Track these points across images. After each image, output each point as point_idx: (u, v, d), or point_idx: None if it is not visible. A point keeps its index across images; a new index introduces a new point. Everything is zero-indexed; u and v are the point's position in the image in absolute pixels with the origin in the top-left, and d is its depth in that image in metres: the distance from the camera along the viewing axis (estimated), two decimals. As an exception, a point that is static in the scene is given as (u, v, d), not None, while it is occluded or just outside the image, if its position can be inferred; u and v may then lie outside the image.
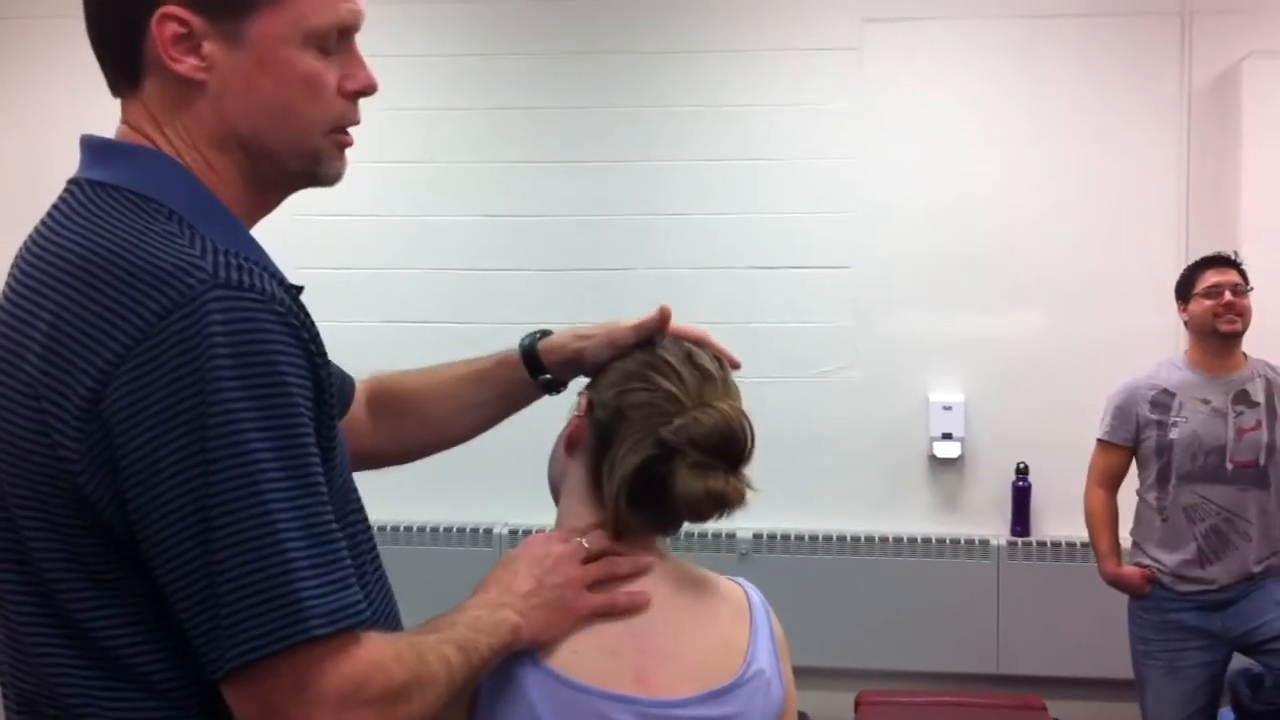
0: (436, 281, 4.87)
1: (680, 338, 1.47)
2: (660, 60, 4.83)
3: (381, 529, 4.61)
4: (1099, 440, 3.83)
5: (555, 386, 1.60)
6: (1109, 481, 3.82)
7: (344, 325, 4.76)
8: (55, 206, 1.22)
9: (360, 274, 4.87)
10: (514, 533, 4.59)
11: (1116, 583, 3.77)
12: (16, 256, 1.22)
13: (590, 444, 1.41)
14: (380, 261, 4.89)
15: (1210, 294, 3.68)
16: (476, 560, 4.56)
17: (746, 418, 1.38)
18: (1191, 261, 3.89)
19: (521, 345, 1.59)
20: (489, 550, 4.63)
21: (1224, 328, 3.66)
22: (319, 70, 1.24)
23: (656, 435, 1.34)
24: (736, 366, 1.47)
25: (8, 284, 1.21)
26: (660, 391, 1.38)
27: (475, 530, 4.71)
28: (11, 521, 1.16)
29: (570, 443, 1.44)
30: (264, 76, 1.21)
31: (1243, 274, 3.72)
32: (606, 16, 4.86)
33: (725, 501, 1.35)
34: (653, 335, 1.46)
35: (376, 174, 4.72)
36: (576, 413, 1.45)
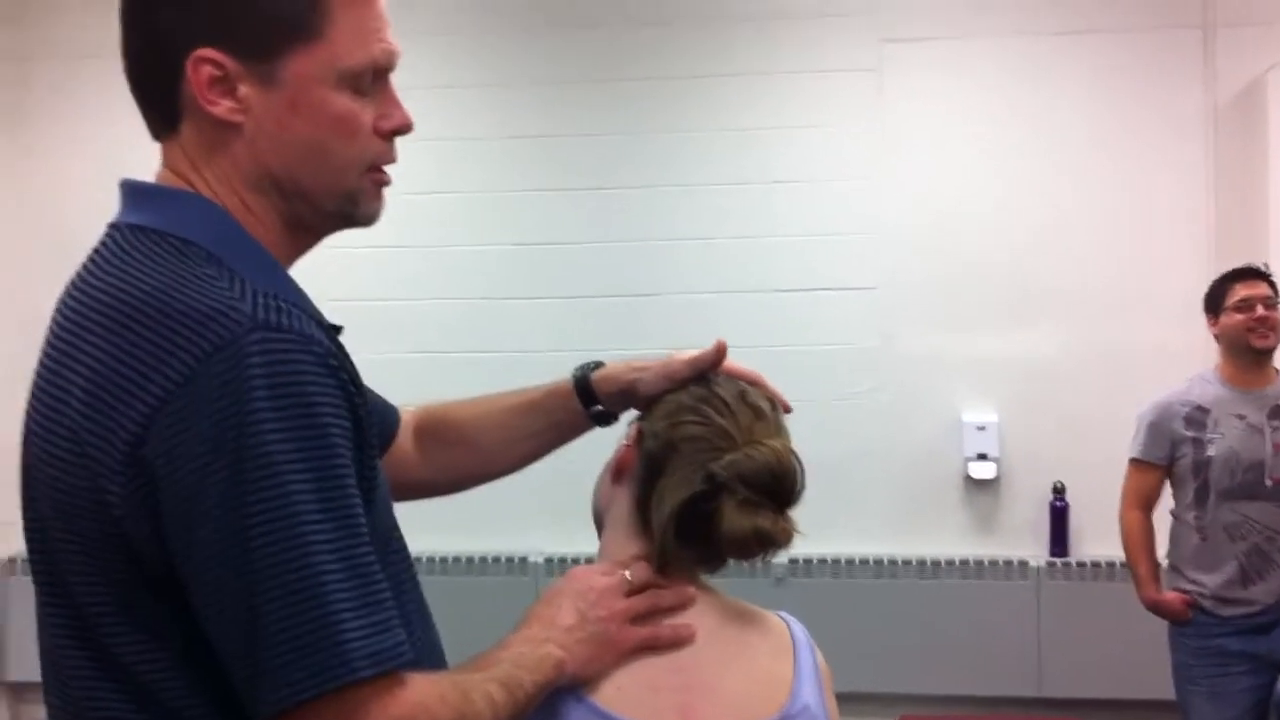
0: (457, 310, 4.88)
1: (734, 376, 1.47)
2: (679, 85, 4.84)
3: (417, 559, 4.59)
4: (1132, 460, 3.77)
5: (606, 418, 1.59)
6: (1144, 502, 3.76)
7: (365, 357, 4.79)
8: (96, 250, 1.22)
9: (382, 304, 4.89)
10: (549, 561, 4.58)
11: (1157, 609, 3.71)
12: (59, 301, 1.23)
13: (638, 474, 1.40)
14: (401, 291, 4.91)
15: (1241, 308, 3.64)
16: (512, 589, 4.56)
17: (798, 458, 1.38)
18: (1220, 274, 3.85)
19: (574, 375, 1.58)
20: (525, 579, 4.62)
21: (1258, 343, 3.62)
22: (354, 111, 1.24)
23: (707, 470, 1.34)
24: (788, 410, 1.47)
25: (51, 328, 1.21)
26: (713, 426, 1.37)
27: (510, 560, 4.70)
28: (55, 561, 1.16)
29: (618, 471, 1.44)
30: (298, 117, 1.21)
31: (1273, 286, 3.68)
32: (624, 43, 4.88)
33: (772, 542, 1.35)
34: (708, 370, 1.46)
35: (397, 205, 4.71)
36: (626, 441, 1.45)
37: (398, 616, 1.11)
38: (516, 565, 4.69)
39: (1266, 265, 3.77)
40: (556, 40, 4.91)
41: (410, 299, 4.91)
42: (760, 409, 1.41)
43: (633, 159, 4.86)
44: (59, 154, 4.99)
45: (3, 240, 4.98)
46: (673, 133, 4.84)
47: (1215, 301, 3.73)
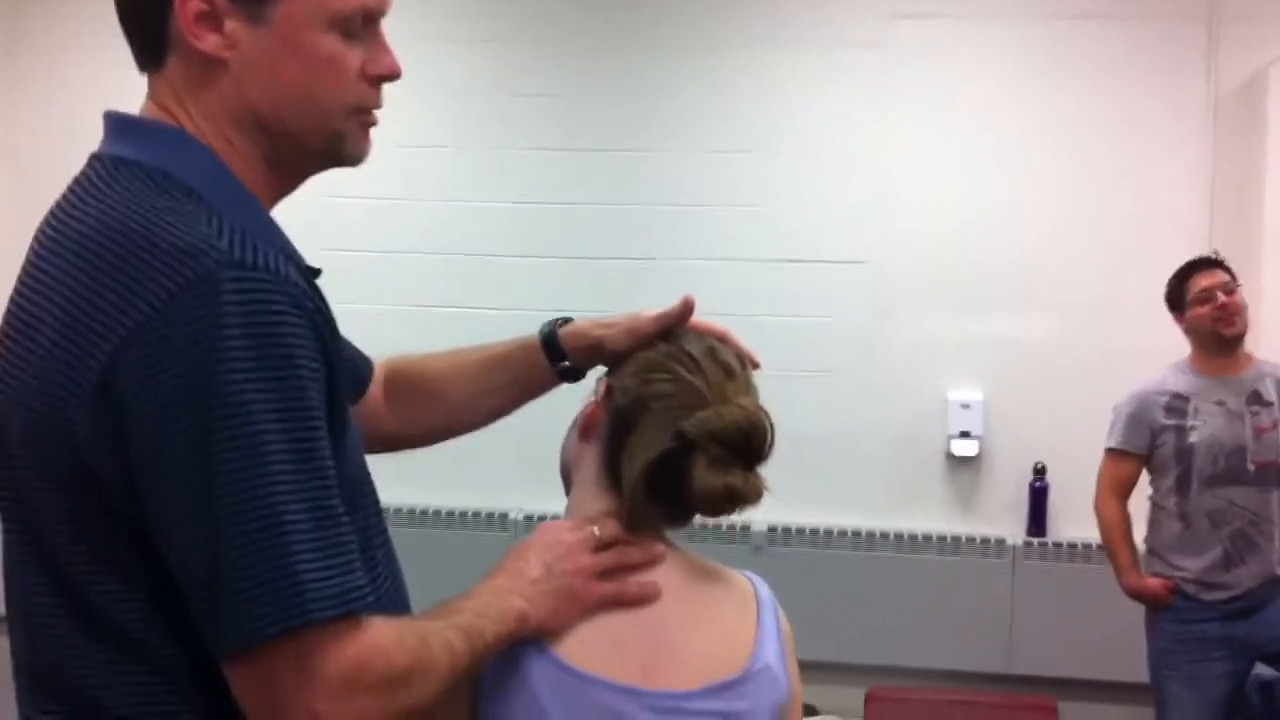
0: (455, 267, 4.87)
1: (702, 333, 1.47)
2: (683, 51, 4.83)
3: (397, 512, 4.64)
4: (1109, 450, 3.79)
5: (573, 374, 1.60)
6: (1122, 491, 3.78)
7: (364, 308, 4.78)
8: (76, 181, 1.22)
9: (382, 257, 4.88)
10: (529, 518, 4.59)
11: (1139, 594, 3.73)
12: (38, 230, 1.23)
13: (607, 431, 1.41)
14: (401, 245, 4.90)
15: (1203, 299, 3.66)
16: (491, 545, 4.56)
17: (768, 417, 1.38)
18: (1171, 277, 3.84)
19: (542, 331, 1.59)
20: (504, 535, 4.64)
21: (1225, 331, 3.64)
22: (342, 53, 1.24)
23: (677, 427, 1.34)
24: (757, 366, 1.47)
25: (28, 256, 1.21)
26: (683, 384, 1.37)
27: (490, 515, 4.72)
28: (24, 500, 1.16)
29: (586, 428, 1.44)
30: (286, 57, 1.22)
31: (1229, 272, 3.70)
32: (629, 6, 4.85)
33: (742, 499, 1.35)
34: (675, 327, 1.46)
35: (400, 158, 4.73)
36: (594, 398, 1.45)
37: (359, 561, 1.11)
38: (496, 520, 4.70)
39: (1216, 253, 3.80)
40: (565, 2, 4.88)
41: (409, 252, 4.90)
42: (730, 366, 1.41)
43: (635, 122, 4.84)
44: (50, 85, 4.95)
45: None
46: (676, 97, 4.82)
47: (1177, 298, 3.76)
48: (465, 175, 4.91)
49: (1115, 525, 3.78)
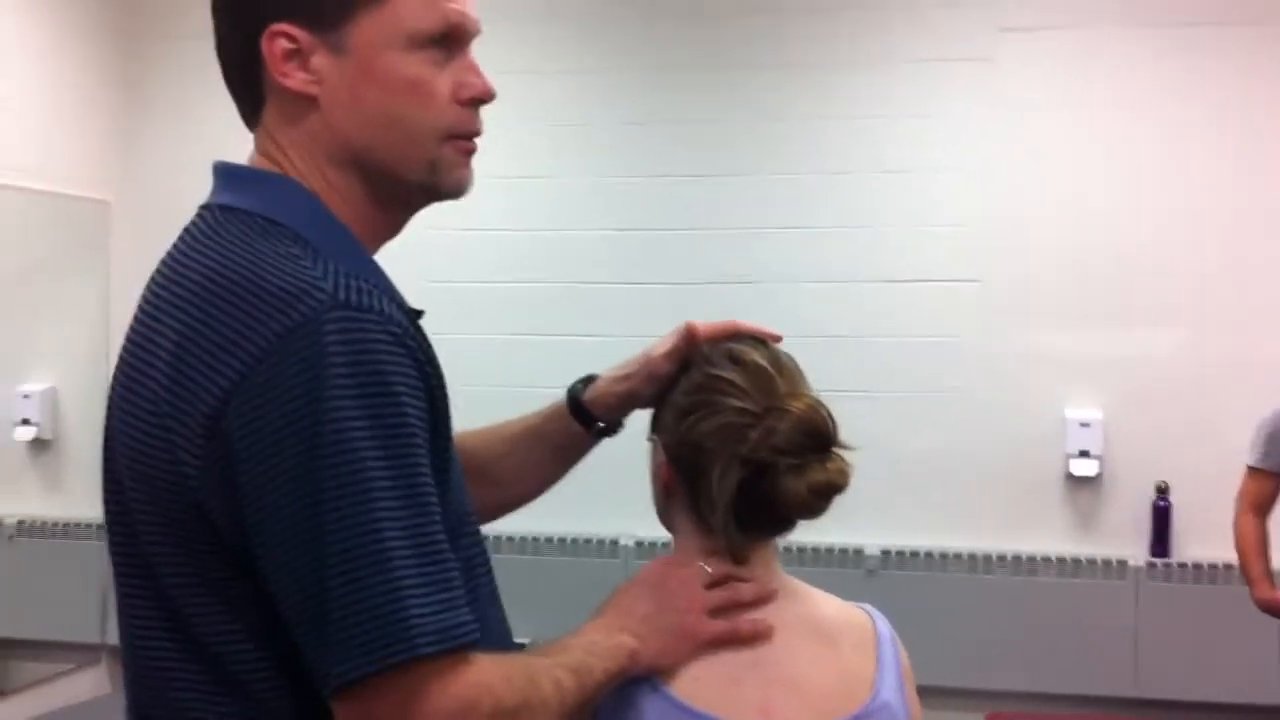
0: (562, 294, 4.90)
1: (714, 340, 1.43)
2: (787, 73, 4.81)
3: (510, 540, 4.67)
4: (1249, 467, 3.73)
5: (610, 430, 1.58)
6: (1259, 508, 3.73)
7: (467, 338, 4.85)
8: (186, 230, 1.25)
9: (489, 287, 4.93)
10: (639, 544, 4.59)
11: (1270, 608, 3.66)
12: (150, 279, 1.25)
13: (681, 483, 1.38)
14: (509, 275, 4.94)
15: None
16: (602, 571, 4.58)
17: (819, 402, 1.34)
18: None
19: (568, 399, 1.57)
20: (615, 561, 4.64)
21: None
22: (425, 76, 1.23)
23: (741, 457, 1.31)
24: (778, 340, 1.43)
25: (139, 305, 1.24)
26: (726, 411, 1.34)
27: (601, 541, 4.72)
28: (136, 535, 1.18)
29: (666, 490, 1.42)
30: (368, 84, 1.22)
31: None
32: (734, 30, 4.85)
33: (832, 489, 1.32)
34: (687, 355, 1.44)
35: (503, 189, 4.79)
36: (658, 459, 1.42)
37: (465, 597, 1.11)
38: (607, 547, 4.71)
39: None
40: (666, 26, 4.90)
41: (516, 282, 4.94)
42: (758, 366, 1.37)
43: (736, 146, 4.83)
44: (168, 131, 5.09)
45: (116, 219, 5.09)
46: (780, 120, 4.81)
47: None
48: (566, 204, 4.94)
49: (1248, 538, 3.73)
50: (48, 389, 4.80)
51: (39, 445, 4.82)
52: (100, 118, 5.07)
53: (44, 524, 4.82)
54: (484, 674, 1.11)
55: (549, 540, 4.76)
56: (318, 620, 1.06)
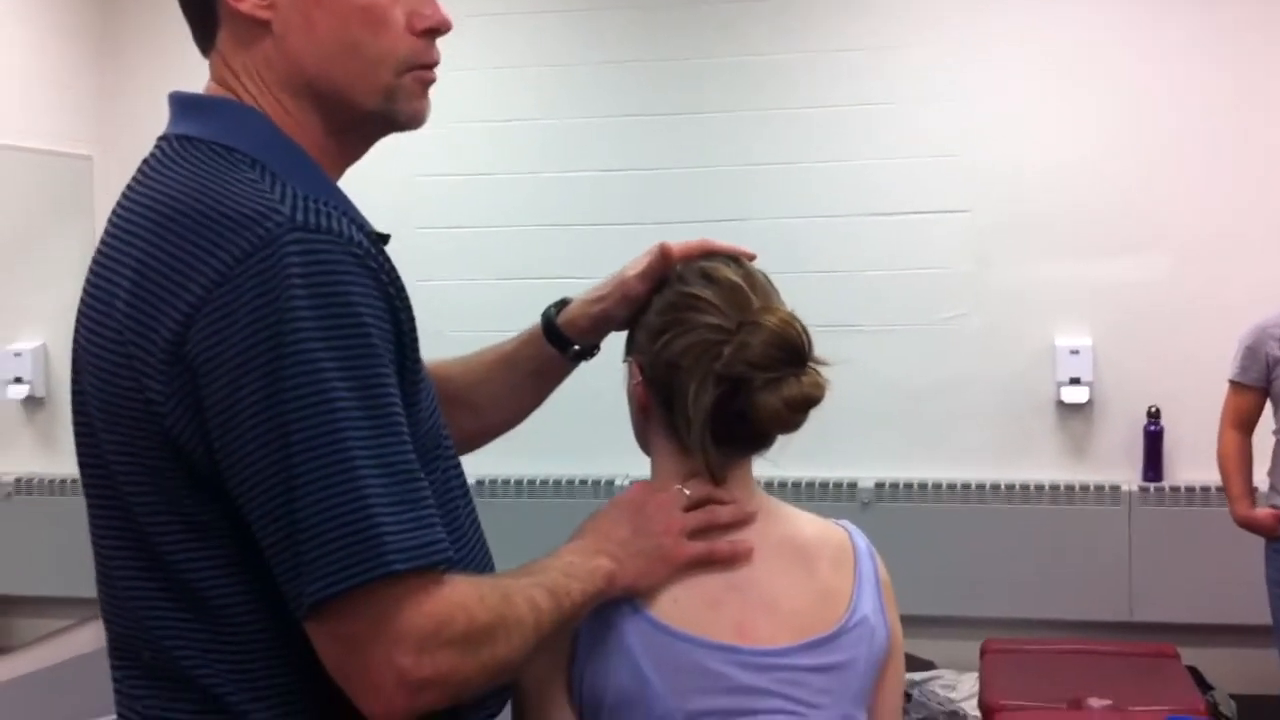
0: (549, 237, 4.89)
1: (687, 259, 1.42)
2: (767, 7, 4.78)
3: (505, 483, 4.69)
4: (1230, 381, 3.74)
5: (587, 353, 1.57)
6: (1241, 423, 3.74)
7: (463, 282, 4.84)
8: (145, 161, 1.24)
9: (476, 231, 4.92)
10: (635, 483, 4.60)
11: (1249, 525, 3.70)
12: (110, 213, 1.25)
13: (657, 403, 1.38)
14: (494, 219, 4.93)
15: None
16: (599, 512, 4.60)
17: (793, 316, 1.34)
18: None
19: (543, 323, 1.56)
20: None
21: None
22: (380, 4, 1.22)
23: (715, 373, 1.31)
24: (751, 257, 1.43)
25: (101, 239, 1.24)
26: (698, 328, 1.33)
27: (598, 482, 4.75)
28: (106, 466, 1.18)
29: (641, 408, 1.42)
30: (322, 10, 1.21)
31: None
32: (717, -35, 4.81)
33: (808, 402, 1.31)
34: (661, 275, 1.43)
35: (487, 133, 4.76)
36: (633, 380, 1.42)
37: (437, 515, 1.11)
38: (603, 488, 4.73)
39: None
40: (645, -39, 4.86)
41: (505, 226, 4.93)
42: (732, 282, 1.36)
43: (719, 83, 4.81)
44: (148, 73, 5.04)
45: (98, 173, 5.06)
46: (760, 55, 4.78)
47: None
48: (553, 146, 4.91)
49: (1230, 455, 3.75)
50: (38, 346, 4.79)
51: (32, 403, 4.83)
52: (79, 72, 5.03)
53: (41, 481, 4.84)
54: (458, 592, 1.11)
55: (544, 482, 4.78)
56: (289, 543, 1.06)
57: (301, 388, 1.06)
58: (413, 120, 1.28)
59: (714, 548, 1.35)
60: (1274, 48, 4.48)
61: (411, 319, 1.18)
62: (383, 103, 1.25)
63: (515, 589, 1.18)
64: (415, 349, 1.19)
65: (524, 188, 4.92)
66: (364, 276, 1.11)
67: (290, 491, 1.06)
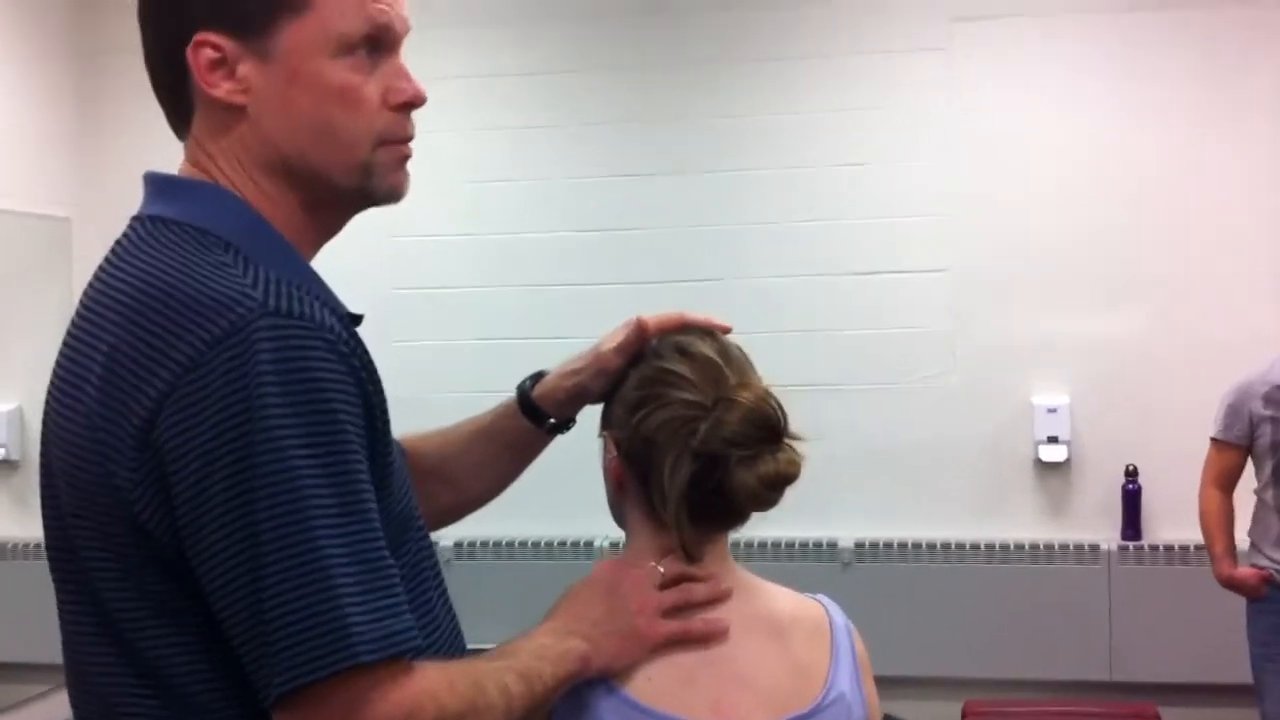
0: (528, 298, 4.89)
1: (663, 333, 1.43)
2: (746, 69, 4.82)
3: (484, 545, 4.66)
4: (1212, 439, 3.76)
5: (563, 426, 1.57)
6: (1223, 481, 3.74)
7: (441, 344, 4.83)
8: (118, 242, 1.24)
9: (455, 292, 4.92)
10: (614, 545, 4.57)
11: (1231, 585, 3.69)
12: (83, 292, 1.24)
13: (632, 478, 1.38)
14: (474, 280, 4.93)
15: None
16: (578, 574, 4.55)
17: (768, 393, 1.34)
18: None
19: (518, 397, 1.56)
20: (589, 562, 4.60)
21: None
22: (355, 82, 1.22)
23: (691, 450, 1.30)
24: (726, 331, 1.43)
25: (72, 319, 1.23)
26: (674, 404, 1.33)
27: (576, 544, 4.72)
28: (74, 549, 1.17)
29: (618, 485, 1.41)
30: (298, 91, 1.21)
31: None
32: (689, 27, 4.86)
33: (783, 480, 1.31)
34: (637, 350, 1.43)
35: (467, 194, 4.78)
36: (609, 455, 1.41)
37: (406, 604, 1.10)
38: (582, 549, 4.71)
39: None
40: (622, 25, 4.90)
41: (481, 286, 4.93)
42: (707, 358, 1.36)
43: (699, 144, 4.84)
44: (127, 141, 5.05)
45: (76, 235, 5.06)
46: (738, 116, 4.82)
47: None
48: (533, 206, 4.92)
49: (1211, 513, 3.75)
50: (13, 409, 4.75)
51: (7, 466, 4.78)
52: (57, 134, 5.03)
53: (14, 545, 4.78)
54: (427, 681, 1.10)
55: (523, 544, 4.75)
56: (257, 631, 1.05)
57: (271, 475, 1.05)
58: (391, 195, 1.28)
59: (689, 627, 1.34)
60: (1241, 116, 4.54)
61: (383, 402, 1.17)
62: (360, 179, 1.25)
63: (486, 674, 1.17)
64: (387, 433, 1.18)
65: (503, 248, 4.93)
66: (336, 362, 1.10)
67: (257, 580, 1.05)
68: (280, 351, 1.07)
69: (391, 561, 1.10)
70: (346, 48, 1.21)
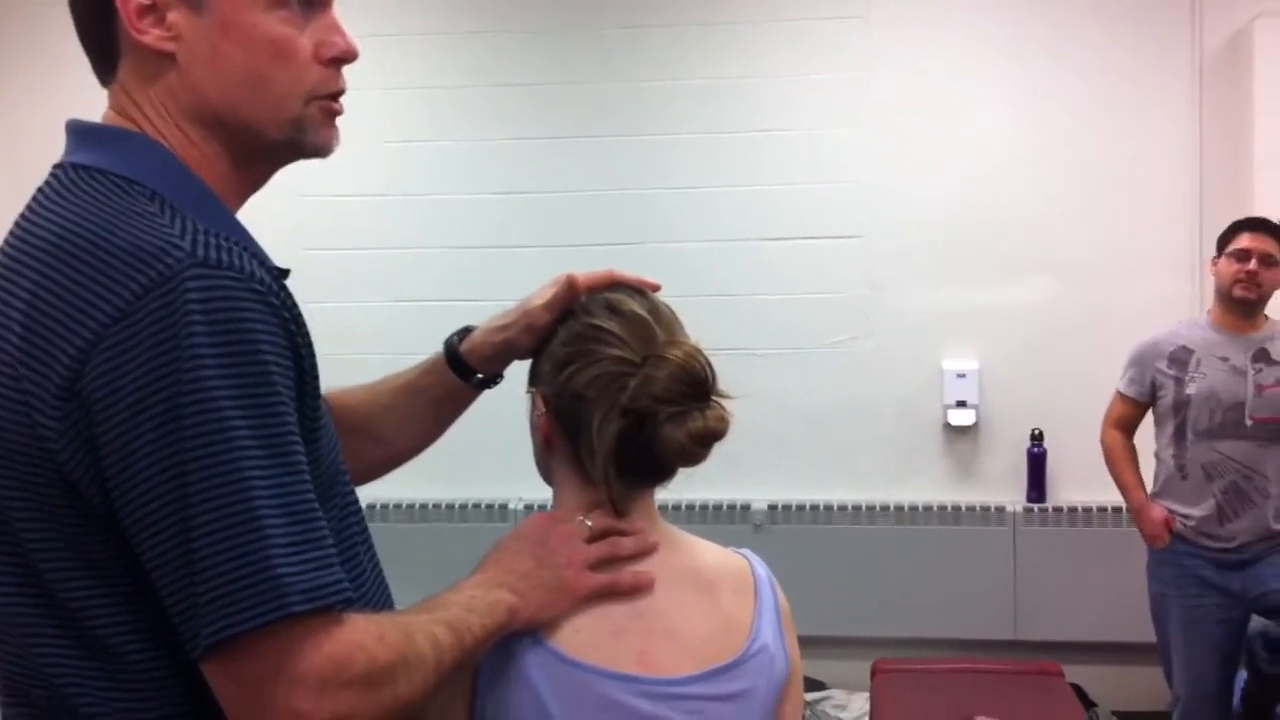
0: (445, 260, 4.87)
1: (593, 290, 1.43)
2: (665, 33, 4.81)
3: (398, 506, 4.64)
4: (1118, 392, 3.85)
5: (490, 381, 1.57)
6: (1124, 425, 3.86)
7: (354, 306, 4.78)
8: (40, 190, 1.21)
9: (369, 254, 4.88)
10: (529, 507, 4.59)
11: (1141, 515, 3.76)
12: (2, 241, 1.21)
13: (561, 434, 1.38)
14: (389, 241, 4.89)
15: (1237, 257, 3.66)
16: (492, 536, 4.52)
17: (698, 350, 1.34)
18: (1229, 223, 3.79)
19: (445, 351, 1.55)
20: (504, 525, 4.63)
21: (1238, 292, 3.65)
22: (288, 35, 1.21)
23: (620, 406, 1.31)
24: (656, 288, 1.44)
25: None
26: (604, 360, 1.33)
27: (490, 506, 4.72)
28: None
29: (546, 442, 1.41)
30: (230, 43, 1.19)
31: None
32: (611, -10, 4.84)
33: (711, 436, 1.32)
34: (565, 306, 1.43)
35: (384, 154, 4.73)
36: (537, 411, 1.41)
37: (336, 555, 1.10)
38: (497, 512, 4.71)
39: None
40: (541, -16, 4.87)
41: (397, 248, 4.89)
42: (637, 315, 1.36)
43: (619, 107, 4.83)
44: (42, 91, 4.92)
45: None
46: (659, 80, 4.82)
47: (1220, 244, 3.76)
48: (450, 168, 4.89)
49: (1117, 450, 3.86)
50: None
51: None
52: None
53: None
54: (358, 632, 1.10)
55: (436, 506, 4.74)
56: (185, 582, 1.04)
57: (200, 426, 1.04)
58: (321, 149, 1.27)
59: (617, 579, 1.34)
60: (1150, 89, 4.62)
61: (313, 355, 1.16)
62: (290, 132, 1.24)
63: (416, 626, 1.17)
64: (316, 386, 1.17)
65: (418, 210, 4.89)
66: (265, 313, 1.09)
67: (187, 531, 1.04)
68: (209, 302, 1.06)
69: (320, 513, 1.10)
70: (280, 2, 1.20)
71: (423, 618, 1.19)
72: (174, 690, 1.12)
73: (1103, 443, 3.88)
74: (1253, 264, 3.63)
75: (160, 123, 1.21)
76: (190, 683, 1.10)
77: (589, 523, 1.36)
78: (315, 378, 1.17)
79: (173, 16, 1.18)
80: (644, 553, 1.37)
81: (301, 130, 1.24)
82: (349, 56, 1.26)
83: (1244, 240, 3.67)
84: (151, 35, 1.18)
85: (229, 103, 1.20)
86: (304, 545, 1.06)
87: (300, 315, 1.15)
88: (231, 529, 1.04)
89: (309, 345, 1.16)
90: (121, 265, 1.08)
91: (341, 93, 1.27)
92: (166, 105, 1.21)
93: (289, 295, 1.15)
